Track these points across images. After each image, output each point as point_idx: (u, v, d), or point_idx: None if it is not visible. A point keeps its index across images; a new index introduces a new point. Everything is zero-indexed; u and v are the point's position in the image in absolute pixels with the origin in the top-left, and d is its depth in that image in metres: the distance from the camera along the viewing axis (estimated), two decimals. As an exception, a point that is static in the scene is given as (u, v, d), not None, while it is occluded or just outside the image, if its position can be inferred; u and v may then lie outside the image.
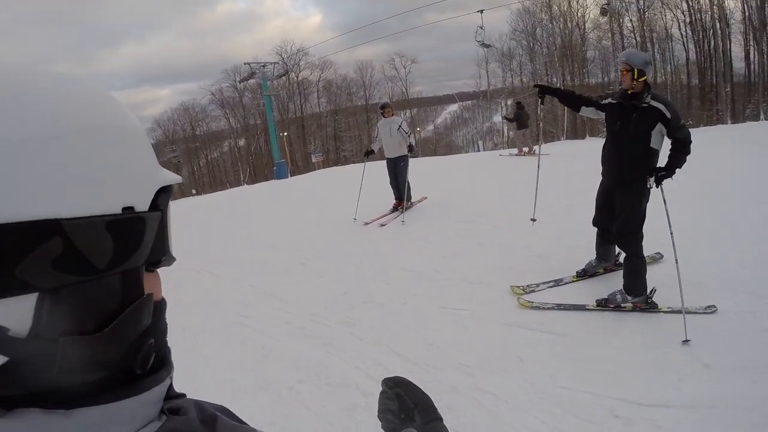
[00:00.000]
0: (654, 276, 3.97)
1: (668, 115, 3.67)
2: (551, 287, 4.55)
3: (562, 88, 4.39)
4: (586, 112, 4.17)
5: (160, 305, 0.50)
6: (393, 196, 8.55)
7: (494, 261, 5.27)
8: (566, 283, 4.59)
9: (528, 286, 4.56)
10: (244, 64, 37.17)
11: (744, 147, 10.80)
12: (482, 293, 4.52)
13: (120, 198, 0.40)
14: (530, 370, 3.26)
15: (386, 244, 6.71)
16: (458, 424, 2.82)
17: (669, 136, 3.76)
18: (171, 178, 0.48)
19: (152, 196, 0.44)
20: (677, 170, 3.75)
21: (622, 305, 3.88)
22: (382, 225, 7.78)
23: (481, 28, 32.14)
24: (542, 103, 4.43)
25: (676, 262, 3.60)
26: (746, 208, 5.88)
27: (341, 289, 5.39)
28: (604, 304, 3.95)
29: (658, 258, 4.62)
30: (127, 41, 76.98)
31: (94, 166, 0.38)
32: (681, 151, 3.75)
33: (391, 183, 8.53)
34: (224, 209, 14.19)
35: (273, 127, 35.33)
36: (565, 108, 5.18)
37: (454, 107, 54.42)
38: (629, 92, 3.80)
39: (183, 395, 0.49)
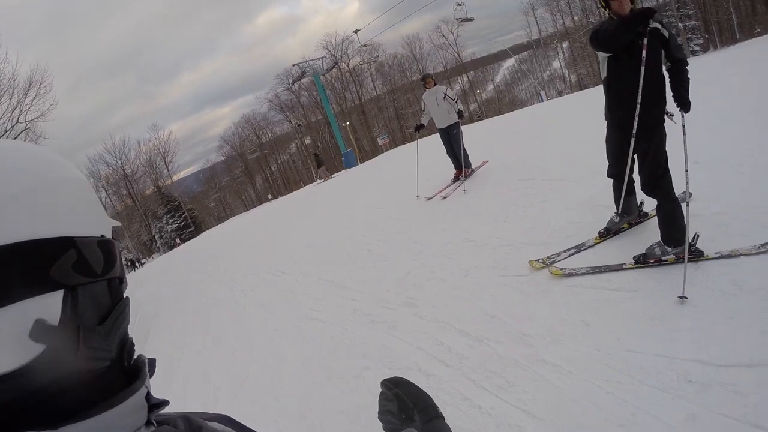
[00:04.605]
0: (689, 219, 3.38)
1: (666, 34, 3.15)
2: (573, 254, 4.12)
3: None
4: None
5: None
6: (453, 167, 8.34)
7: (557, 218, 4.93)
8: (589, 247, 4.14)
9: (548, 257, 4.16)
10: (293, 65, 37.83)
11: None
12: (545, 255, 4.24)
13: (99, 228, 0.52)
14: (596, 334, 2.97)
15: (448, 217, 6.55)
16: (519, 401, 2.67)
17: (669, 59, 3.23)
18: (114, 221, 0.61)
19: (110, 231, 0.55)
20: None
21: (663, 258, 3.40)
22: (444, 198, 7.60)
23: None
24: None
25: (687, 205, 3.17)
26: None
27: (405, 269, 5.35)
28: (642, 261, 3.48)
29: (686, 198, 4.07)
30: (182, 72, 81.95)
31: (86, 203, 0.52)
32: (685, 72, 3.25)
33: (448, 153, 8.31)
34: (295, 208, 14.69)
35: (333, 119, 35.88)
36: None
37: (510, 62, 52.35)
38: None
39: (165, 402, 0.55)
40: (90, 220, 0.51)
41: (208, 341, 5.93)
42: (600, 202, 4.66)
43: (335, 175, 23.07)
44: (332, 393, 3.60)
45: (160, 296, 10.00)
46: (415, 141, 8.94)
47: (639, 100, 3.25)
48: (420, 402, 0.81)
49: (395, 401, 0.83)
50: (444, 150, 8.35)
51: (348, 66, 48.91)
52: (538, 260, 4.14)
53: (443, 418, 0.80)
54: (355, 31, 38.06)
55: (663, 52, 3.25)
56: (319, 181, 22.95)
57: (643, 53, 3.16)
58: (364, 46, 40.61)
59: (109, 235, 0.55)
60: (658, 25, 3.21)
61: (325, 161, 25.78)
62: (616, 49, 3.30)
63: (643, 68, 3.19)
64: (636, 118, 3.29)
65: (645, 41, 3.15)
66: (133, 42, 71.94)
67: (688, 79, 3.27)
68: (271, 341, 5.04)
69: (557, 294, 3.62)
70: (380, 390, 0.89)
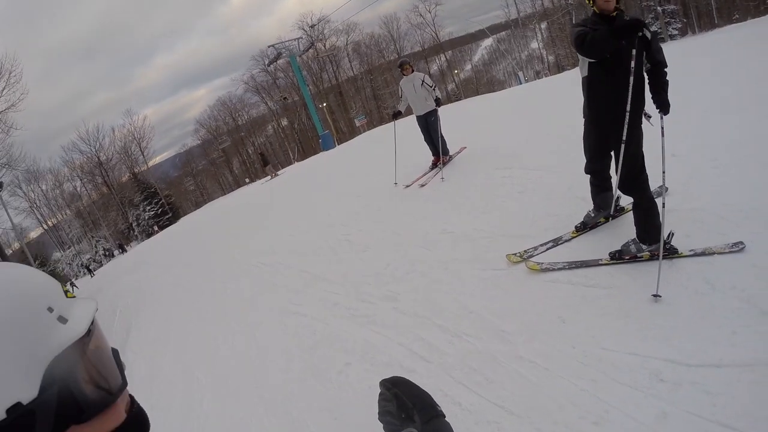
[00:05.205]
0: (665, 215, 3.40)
1: (648, 35, 3.13)
2: (550, 248, 4.17)
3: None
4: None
5: None
6: (430, 153, 8.33)
7: (535, 209, 4.98)
8: (566, 241, 4.19)
9: (525, 251, 4.21)
10: (268, 46, 37.07)
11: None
12: (523, 248, 4.29)
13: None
14: (572, 331, 3.05)
15: (426, 207, 6.56)
16: (498, 398, 2.74)
17: (649, 60, 3.25)
18: (67, 337, 0.51)
19: (41, 375, 0.47)
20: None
21: (638, 255, 3.48)
22: (422, 186, 7.60)
23: None
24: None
25: (663, 206, 3.22)
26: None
27: (384, 261, 5.36)
28: (618, 257, 3.55)
29: (661, 193, 4.17)
30: (157, 55, 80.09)
31: None
32: (665, 75, 3.30)
33: (426, 140, 8.29)
34: (273, 193, 14.51)
35: (310, 100, 35.38)
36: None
37: (488, 42, 52.18)
38: (611, 15, 3.30)
39: None
40: None
41: (190, 336, 5.90)
42: (577, 193, 4.71)
43: (280, 172, 23.66)
44: (316, 389, 3.64)
45: (139, 288, 9.87)
46: (392, 123, 8.85)
47: (628, 108, 3.27)
48: (419, 401, 0.81)
49: (394, 401, 0.83)
50: (422, 135, 8.34)
51: (324, 46, 48.25)
52: (515, 254, 4.19)
53: (443, 416, 0.80)
54: (312, 26, 37.64)
55: (644, 53, 3.26)
56: (266, 178, 23.59)
57: (632, 63, 3.17)
58: (319, 40, 40.13)
59: (32, 389, 0.47)
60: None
61: (271, 159, 27.54)
62: (603, 56, 3.32)
63: (632, 78, 3.20)
64: (625, 127, 3.30)
65: (634, 52, 3.15)
66: (105, 24, 69.58)
67: (667, 82, 3.31)
68: (253, 336, 5.04)
69: (534, 289, 3.68)
70: (379, 390, 0.88)
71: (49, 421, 0.47)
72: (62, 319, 0.52)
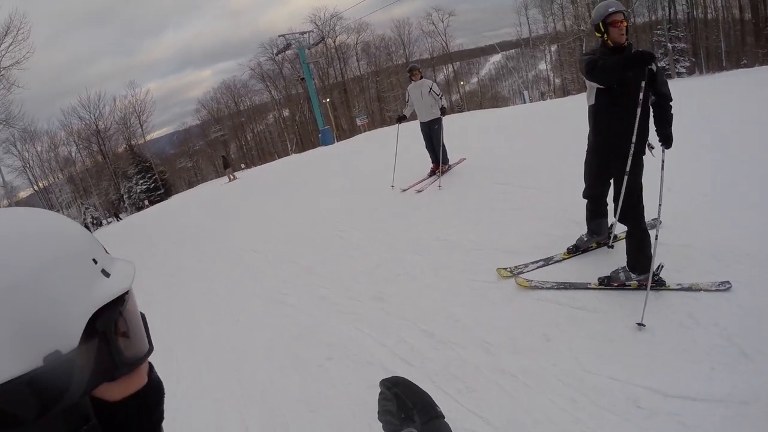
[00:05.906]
0: (657, 247, 3.46)
1: (654, 67, 3.18)
2: (541, 267, 4.22)
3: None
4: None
5: (146, 396, 0.55)
6: (430, 160, 8.38)
7: (528, 227, 5.04)
8: (557, 261, 4.24)
9: (516, 267, 4.26)
10: (279, 36, 37.03)
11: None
12: (513, 264, 4.33)
13: (38, 350, 0.41)
14: (555, 350, 3.10)
15: (421, 212, 6.60)
16: (476, 408, 2.78)
17: (654, 93, 3.30)
18: (111, 291, 0.50)
19: (83, 325, 0.45)
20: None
21: (627, 283, 3.54)
22: (419, 191, 7.64)
23: None
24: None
25: (656, 238, 3.29)
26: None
27: (375, 261, 5.39)
28: (606, 283, 3.61)
29: (655, 225, 4.12)
30: (167, 30, 79.37)
31: (9, 330, 0.40)
32: (670, 107, 3.36)
33: (427, 147, 8.33)
34: (269, 181, 14.50)
35: (314, 95, 35.35)
36: None
37: (497, 57, 52.41)
38: (622, 46, 3.37)
39: None
40: (15, 352, 0.41)
41: (173, 315, 5.87)
42: (571, 216, 4.77)
43: (239, 175, 24.73)
44: (295, 380, 3.65)
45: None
46: (396, 126, 8.89)
47: (634, 140, 3.33)
48: (419, 401, 0.81)
49: (394, 401, 0.83)
50: (423, 142, 8.39)
51: (334, 42, 48.33)
52: (506, 269, 4.24)
53: (443, 417, 0.80)
54: (309, 33, 38.20)
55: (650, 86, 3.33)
56: (226, 181, 24.26)
57: (641, 95, 3.23)
58: (329, 36, 40.18)
59: (73, 339, 0.45)
60: None
61: (232, 163, 28.91)
62: (611, 83, 3.37)
63: (639, 110, 3.27)
64: (630, 157, 3.36)
65: (644, 84, 3.21)
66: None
67: (671, 115, 3.37)
68: (237, 321, 5.04)
69: (522, 305, 3.73)
70: (379, 390, 0.87)
71: (86, 374, 0.45)
72: (105, 273, 0.51)
